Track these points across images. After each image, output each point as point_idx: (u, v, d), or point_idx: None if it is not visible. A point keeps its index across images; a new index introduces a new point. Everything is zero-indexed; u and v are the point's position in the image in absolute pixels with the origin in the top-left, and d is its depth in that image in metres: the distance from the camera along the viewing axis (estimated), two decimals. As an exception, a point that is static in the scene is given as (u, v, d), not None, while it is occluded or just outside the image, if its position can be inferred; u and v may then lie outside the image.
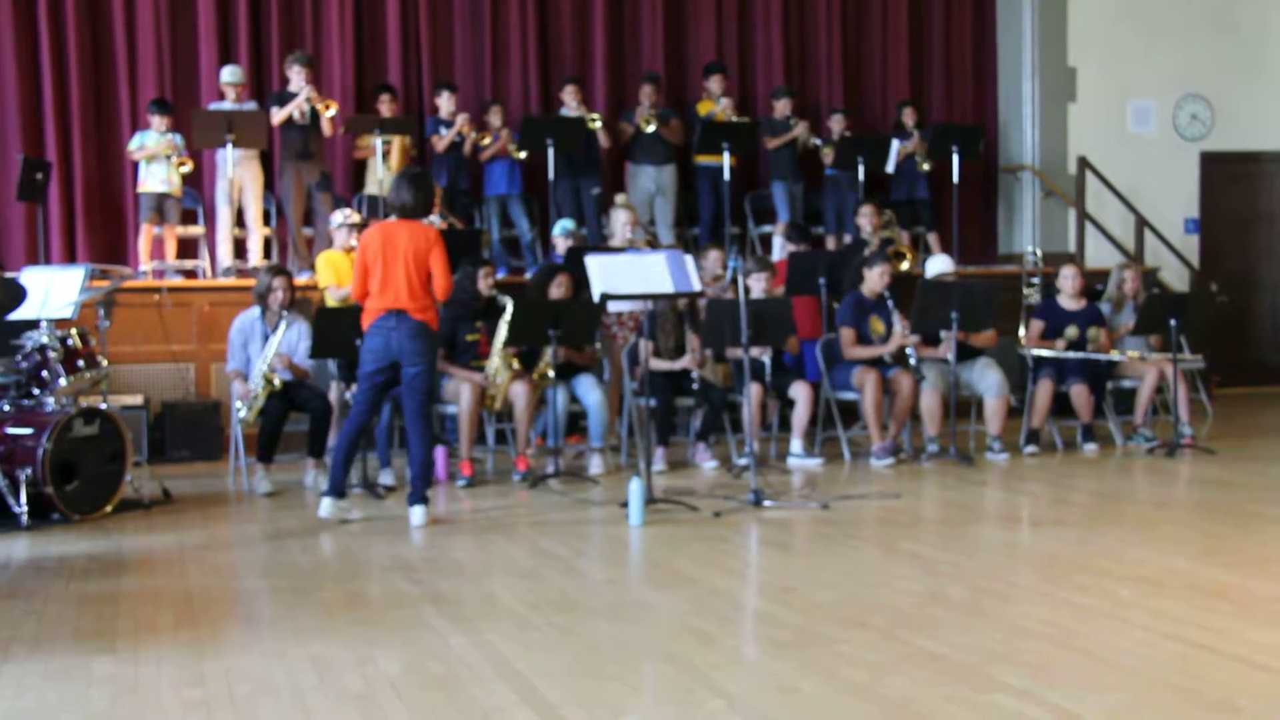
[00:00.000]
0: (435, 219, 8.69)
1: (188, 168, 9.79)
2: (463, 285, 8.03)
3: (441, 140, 10.26)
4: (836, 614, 4.66)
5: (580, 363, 8.32)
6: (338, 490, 6.56)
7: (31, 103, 10.08)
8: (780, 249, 10.63)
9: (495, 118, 10.54)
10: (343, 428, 6.75)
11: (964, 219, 11.38)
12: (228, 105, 9.75)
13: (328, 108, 9.81)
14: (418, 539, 6.20)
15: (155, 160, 9.58)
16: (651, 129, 10.67)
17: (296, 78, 9.80)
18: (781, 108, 11.15)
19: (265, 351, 7.60)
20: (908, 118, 11.43)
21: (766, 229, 11.32)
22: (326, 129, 9.92)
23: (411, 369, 6.45)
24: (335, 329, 7.44)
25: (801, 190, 11.22)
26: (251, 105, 9.91)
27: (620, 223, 9.16)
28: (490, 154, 10.47)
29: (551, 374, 7.87)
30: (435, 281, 6.49)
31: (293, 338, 7.73)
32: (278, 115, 9.75)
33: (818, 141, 11.19)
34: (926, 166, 11.21)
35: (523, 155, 10.37)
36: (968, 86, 12.46)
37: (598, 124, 10.50)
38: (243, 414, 7.61)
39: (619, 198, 10.04)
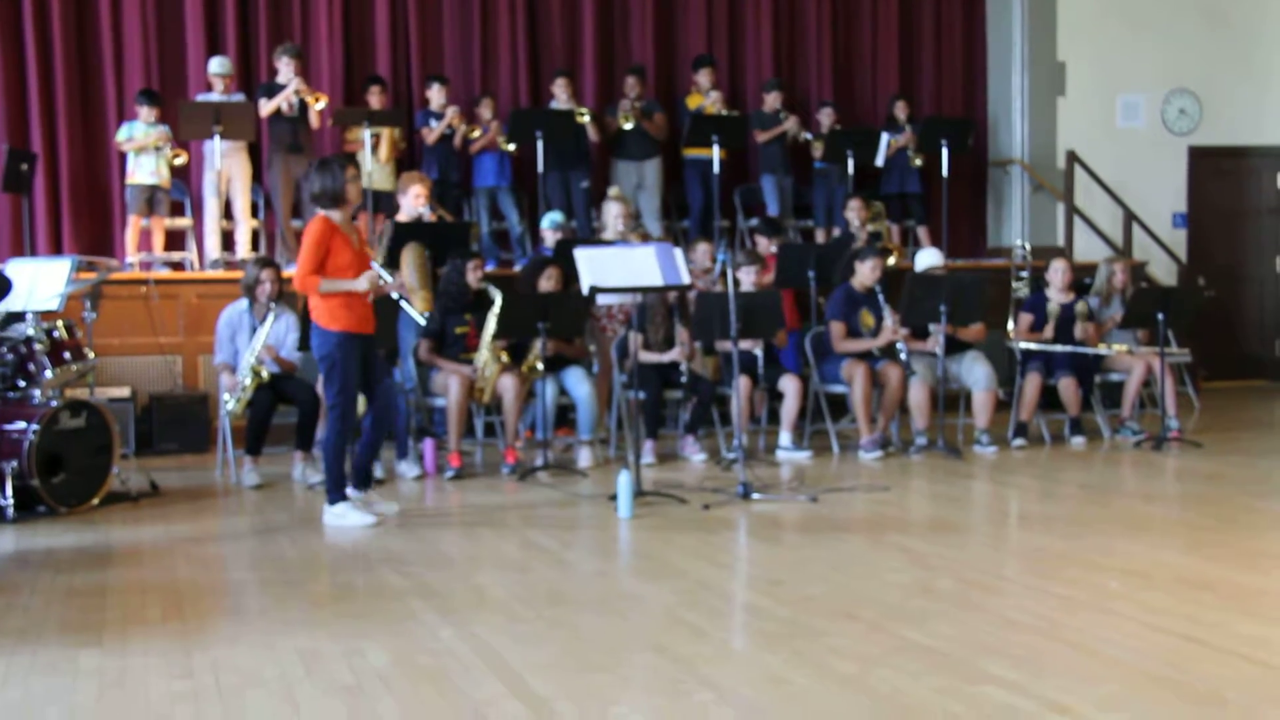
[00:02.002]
0: (425, 211, 8.66)
1: (182, 159, 9.74)
2: (451, 278, 8.02)
3: (431, 133, 10.24)
4: (825, 606, 4.66)
5: (569, 355, 8.31)
6: (354, 486, 6.47)
7: (16, 93, 10.03)
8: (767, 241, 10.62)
9: (485, 110, 10.51)
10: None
11: (953, 213, 11.39)
12: (216, 97, 9.70)
13: (317, 100, 9.78)
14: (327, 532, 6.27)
15: (144, 152, 9.53)
16: (630, 126, 10.64)
17: (285, 69, 9.77)
18: (771, 101, 11.14)
19: (253, 344, 7.58)
20: (900, 111, 11.43)
21: (755, 222, 11.30)
22: (315, 121, 9.89)
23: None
24: (323, 321, 7.41)
25: (791, 184, 11.22)
26: (240, 97, 9.87)
27: (613, 215, 9.14)
28: (480, 146, 10.44)
29: (540, 367, 7.86)
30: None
31: (280, 330, 7.70)
32: (266, 107, 9.72)
33: (808, 136, 11.19)
34: (918, 162, 11.22)
35: (512, 148, 10.35)
36: (957, 80, 12.47)
37: (585, 118, 10.48)
38: (230, 406, 7.59)
39: (612, 190, 10.01)
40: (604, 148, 10.99)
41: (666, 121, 10.91)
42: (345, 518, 6.29)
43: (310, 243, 6.15)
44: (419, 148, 10.49)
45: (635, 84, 10.82)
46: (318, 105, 9.78)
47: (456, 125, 10.29)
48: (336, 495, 6.34)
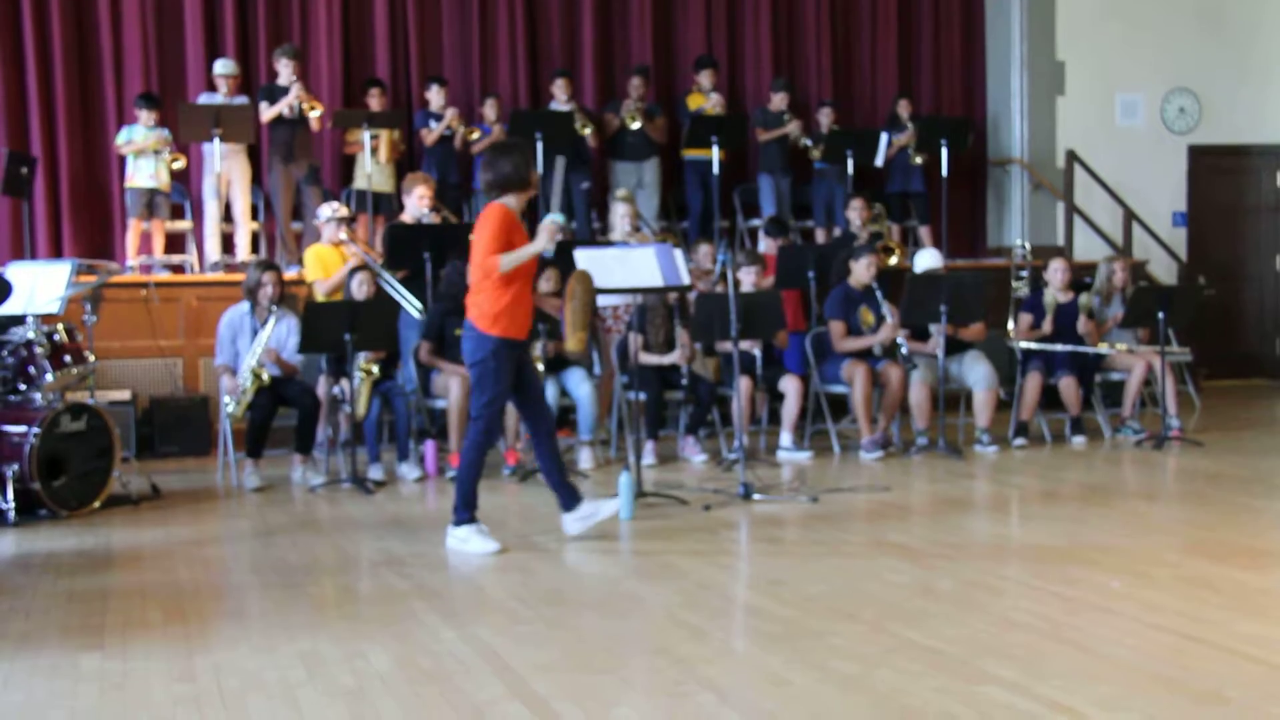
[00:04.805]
0: (427, 213, 8.66)
1: (180, 163, 9.75)
2: (451, 279, 8.02)
3: (430, 134, 10.24)
4: (826, 607, 4.66)
5: (570, 357, 8.30)
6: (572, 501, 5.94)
7: (16, 97, 10.04)
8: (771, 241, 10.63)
9: (490, 110, 10.51)
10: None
11: (953, 212, 11.39)
12: (220, 98, 9.71)
13: (313, 108, 9.76)
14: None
15: (143, 155, 9.54)
16: (636, 125, 10.65)
17: (284, 71, 9.78)
18: (778, 101, 11.14)
19: (254, 346, 7.58)
20: (903, 110, 11.43)
21: (755, 222, 11.32)
22: (314, 125, 9.89)
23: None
24: (324, 324, 7.42)
25: (789, 184, 11.22)
26: (243, 100, 9.87)
27: (620, 215, 9.13)
28: (481, 148, 10.44)
29: (541, 368, 7.86)
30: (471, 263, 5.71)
31: (281, 333, 7.70)
32: (267, 113, 9.72)
33: (807, 142, 11.16)
34: (919, 160, 11.22)
35: None
36: (956, 80, 12.48)
37: (588, 130, 10.47)
38: (230, 408, 7.59)
39: (620, 191, 10.02)
40: (603, 148, 10.99)
41: (667, 124, 10.92)
42: (468, 542, 5.70)
43: (494, 227, 5.60)
44: (419, 149, 10.49)
45: (640, 84, 10.82)
46: (314, 113, 9.77)
47: (455, 127, 10.29)
48: (464, 515, 5.72)
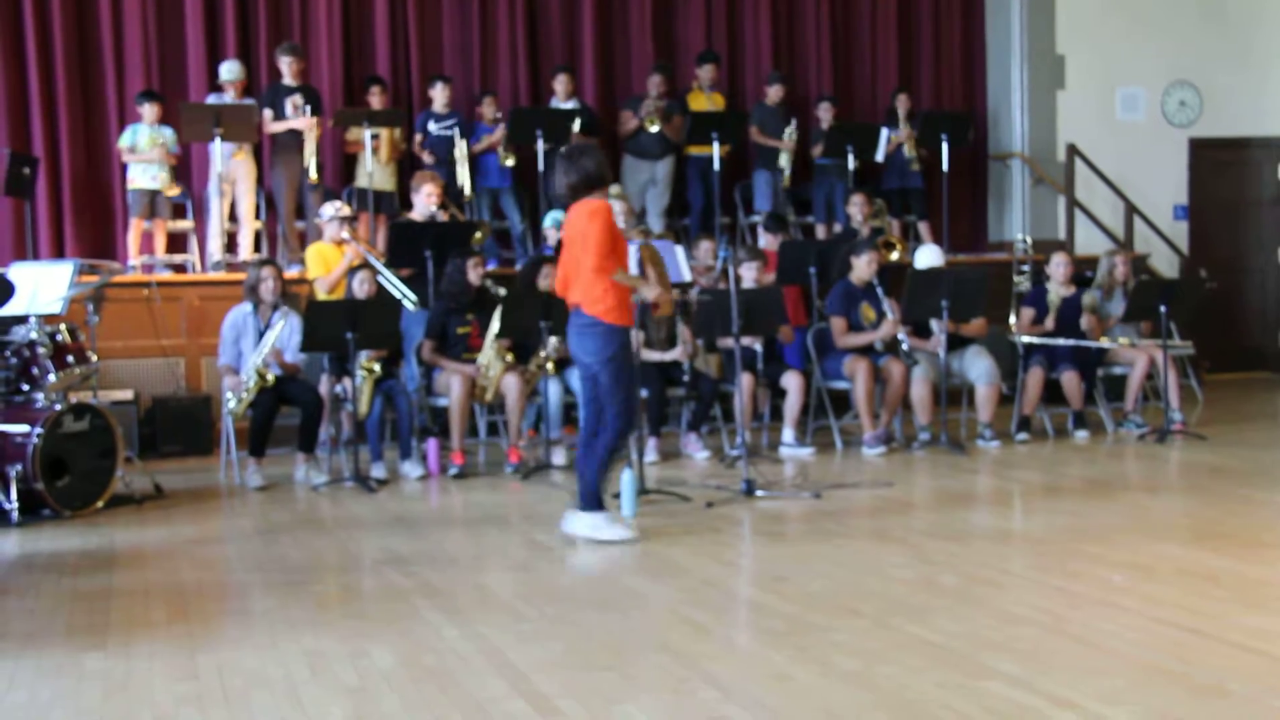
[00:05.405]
0: (436, 210, 8.66)
1: (176, 193, 9.82)
2: (453, 277, 8.03)
3: (430, 156, 10.18)
4: (829, 603, 4.67)
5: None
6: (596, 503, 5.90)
7: (18, 97, 10.03)
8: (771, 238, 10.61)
9: (489, 109, 10.50)
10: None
11: (954, 207, 11.38)
12: (229, 100, 9.70)
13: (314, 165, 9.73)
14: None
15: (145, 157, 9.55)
16: (655, 129, 10.63)
17: (286, 69, 9.79)
18: (774, 94, 11.13)
19: (260, 346, 7.58)
20: (901, 106, 11.41)
21: (756, 218, 11.30)
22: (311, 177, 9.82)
23: (590, 370, 5.84)
24: (325, 322, 7.42)
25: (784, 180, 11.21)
26: (250, 102, 9.86)
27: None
28: (483, 148, 10.43)
29: (551, 367, 7.88)
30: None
31: (285, 333, 7.71)
32: (270, 126, 9.73)
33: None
34: (916, 167, 11.20)
35: (511, 163, 10.32)
36: (956, 74, 12.46)
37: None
38: (231, 405, 7.59)
39: (613, 188, 9.99)
40: (612, 144, 10.93)
41: (684, 123, 10.89)
42: (600, 530, 5.79)
43: (603, 228, 5.73)
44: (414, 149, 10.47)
45: (661, 83, 10.79)
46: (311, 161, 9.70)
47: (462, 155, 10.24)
48: (594, 503, 5.80)
